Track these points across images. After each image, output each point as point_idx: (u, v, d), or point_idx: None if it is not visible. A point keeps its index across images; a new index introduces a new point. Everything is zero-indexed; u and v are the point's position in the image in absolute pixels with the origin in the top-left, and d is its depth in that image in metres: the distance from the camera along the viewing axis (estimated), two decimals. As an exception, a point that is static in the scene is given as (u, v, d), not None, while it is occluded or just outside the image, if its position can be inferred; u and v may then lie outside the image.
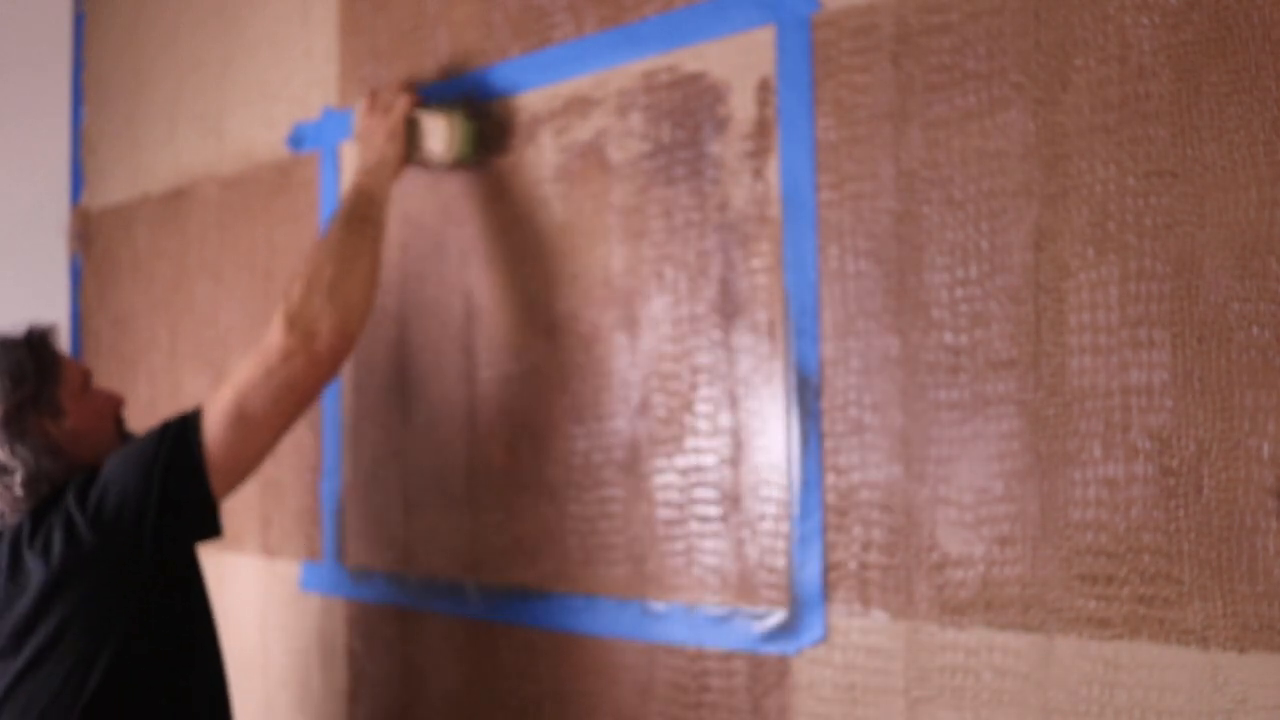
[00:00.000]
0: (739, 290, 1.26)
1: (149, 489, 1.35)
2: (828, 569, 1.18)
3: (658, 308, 1.33)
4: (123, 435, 1.51)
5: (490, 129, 1.50)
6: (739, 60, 1.26)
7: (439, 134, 1.50)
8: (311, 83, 1.75)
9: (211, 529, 1.40)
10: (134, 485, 1.35)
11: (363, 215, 1.43)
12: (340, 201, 1.46)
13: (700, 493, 1.29)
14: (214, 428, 1.36)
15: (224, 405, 1.37)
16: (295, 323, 1.36)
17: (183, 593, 1.42)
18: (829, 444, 1.19)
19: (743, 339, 1.26)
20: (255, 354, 1.38)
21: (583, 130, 1.40)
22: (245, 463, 1.40)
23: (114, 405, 1.51)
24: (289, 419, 1.40)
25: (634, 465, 1.34)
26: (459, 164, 1.52)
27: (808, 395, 1.20)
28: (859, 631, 1.16)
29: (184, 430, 1.37)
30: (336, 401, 1.69)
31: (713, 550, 1.27)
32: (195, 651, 1.43)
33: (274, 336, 1.37)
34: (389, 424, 1.62)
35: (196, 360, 1.94)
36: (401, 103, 1.51)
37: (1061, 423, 1.04)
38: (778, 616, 1.22)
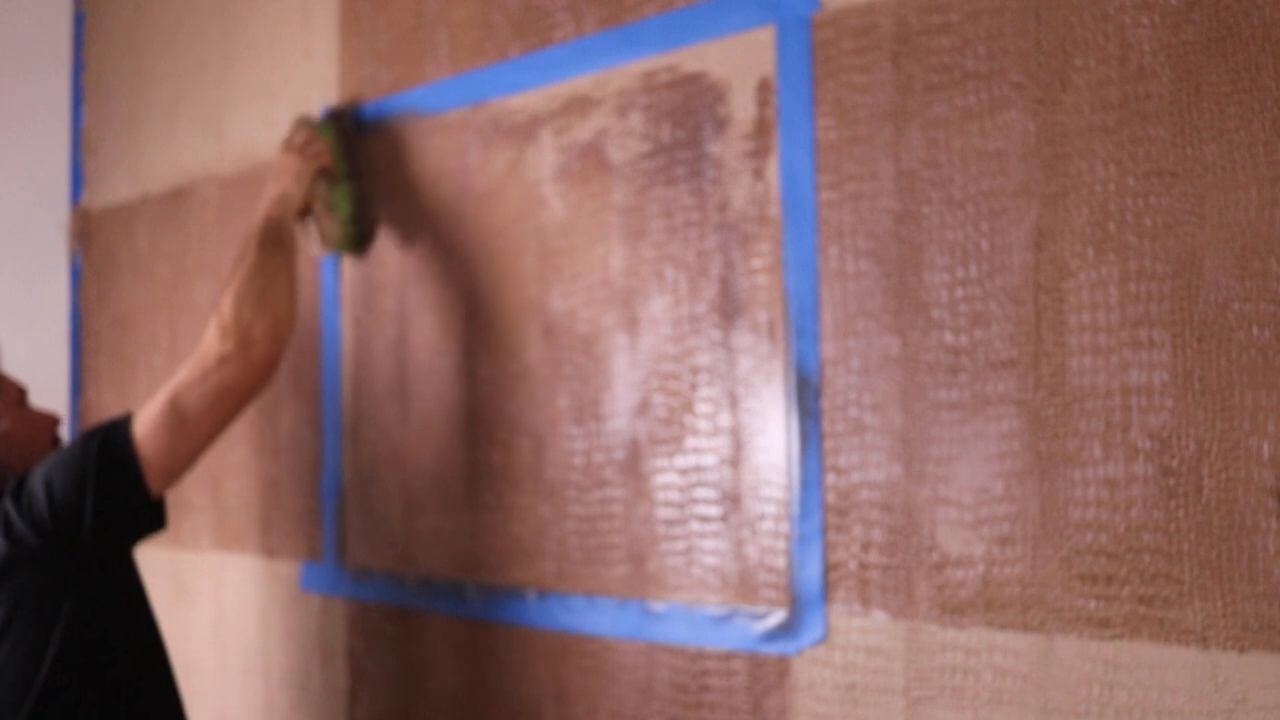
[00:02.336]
0: (739, 290, 1.26)
1: (84, 488, 1.39)
2: (828, 569, 1.18)
3: (658, 308, 1.33)
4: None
5: (367, 229, 1.65)
6: (739, 60, 1.26)
7: (325, 230, 1.65)
8: (311, 83, 1.75)
9: (154, 523, 1.45)
10: (68, 486, 1.39)
11: (275, 239, 1.53)
12: (254, 227, 1.55)
13: (700, 493, 1.29)
14: (147, 428, 1.42)
15: (158, 407, 1.43)
16: (229, 330, 1.44)
17: (124, 591, 1.46)
18: (829, 444, 1.19)
19: (743, 339, 1.26)
20: (191, 361, 1.46)
21: (583, 130, 1.40)
22: (180, 460, 1.45)
23: (51, 423, 1.56)
24: (224, 421, 1.47)
25: (634, 465, 1.34)
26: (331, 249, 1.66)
27: (808, 395, 1.20)
28: (859, 631, 1.16)
29: (113, 433, 1.42)
30: (336, 401, 1.69)
31: (713, 550, 1.27)
32: (140, 650, 1.46)
33: (209, 344, 1.45)
34: (389, 424, 1.62)
35: (196, 360, 1.94)
36: (317, 161, 1.62)
37: (1061, 423, 1.04)
38: (778, 616, 1.22)
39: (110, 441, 1.41)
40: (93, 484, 1.39)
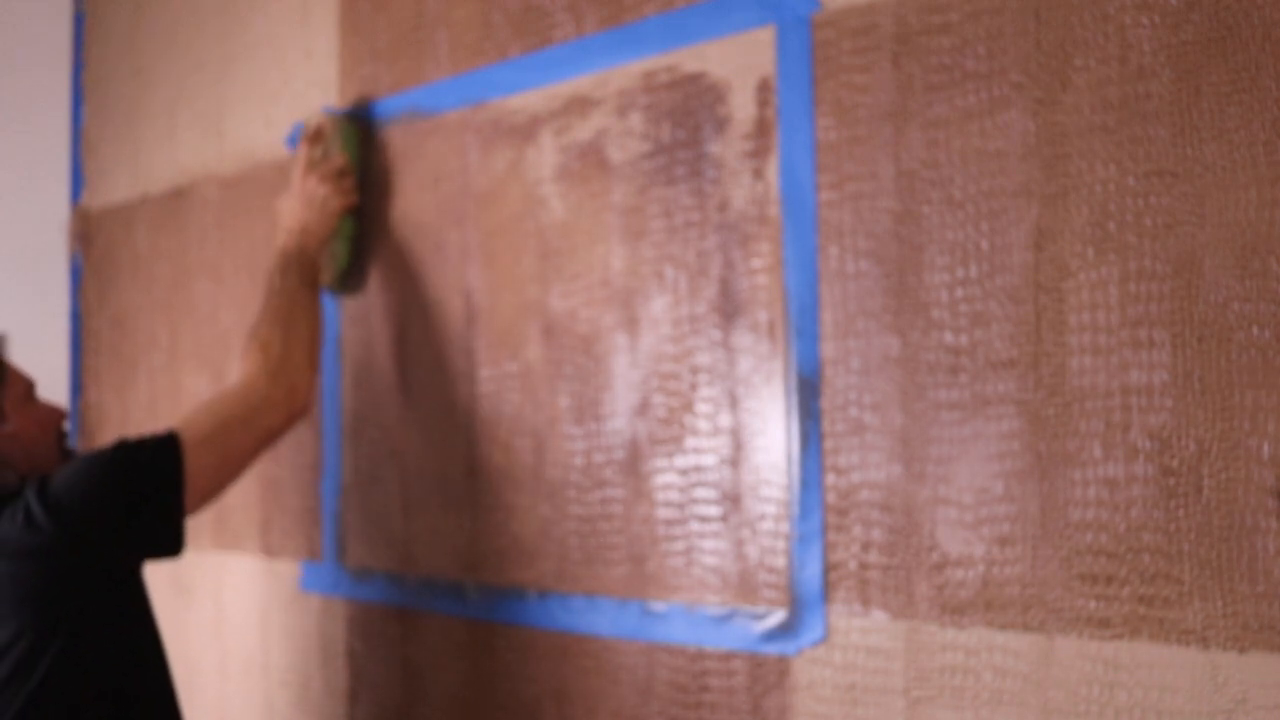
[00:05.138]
0: (739, 290, 1.26)
1: (117, 496, 1.37)
2: (828, 569, 1.18)
3: (658, 308, 1.33)
4: (63, 448, 1.53)
5: (360, 274, 1.65)
6: (739, 60, 1.26)
7: (330, 266, 1.64)
8: (311, 83, 1.75)
9: (175, 545, 1.42)
10: (101, 490, 1.37)
11: (310, 277, 1.56)
12: (284, 257, 1.55)
13: (700, 493, 1.29)
14: (195, 449, 1.41)
15: (204, 434, 1.43)
16: (279, 376, 1.47)
17: (130, 601, 1.44)
18: (829, 444, 1.19)
19: (743, 339, 1.26)
20: (237, 397, 1.46)
21: (583, 130, 1.40)
22: (216, 487, 1.46)
23: (56, 418, 1.53)
24: (254, 460, 1.50)
25: (634, 465, 1.34)
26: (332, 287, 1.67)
27: (808, 395, 1.20)
28: (859, 631, 1.16)
29: (164, 448, 1.40)
30: (336, 401, 1.69)
31: (713, 550, 1.27)
32: (141, 659, 1.45)
33: (258, 384, 1.47)
34: (389, 424, 1.62)
35: (196, 360, 1.94)
36: (346, 200, 1.61)
37: (1061, 423, 1.04)
38: (778, 616, 1.22)
39: (161, 452, 1.39)
40: (135, 489, 1.38)
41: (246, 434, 1.45)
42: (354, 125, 1.64)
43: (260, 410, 1.46)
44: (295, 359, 1.49)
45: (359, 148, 1.64)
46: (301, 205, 1.59)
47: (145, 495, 1.39)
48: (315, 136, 1.63)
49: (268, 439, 1.49)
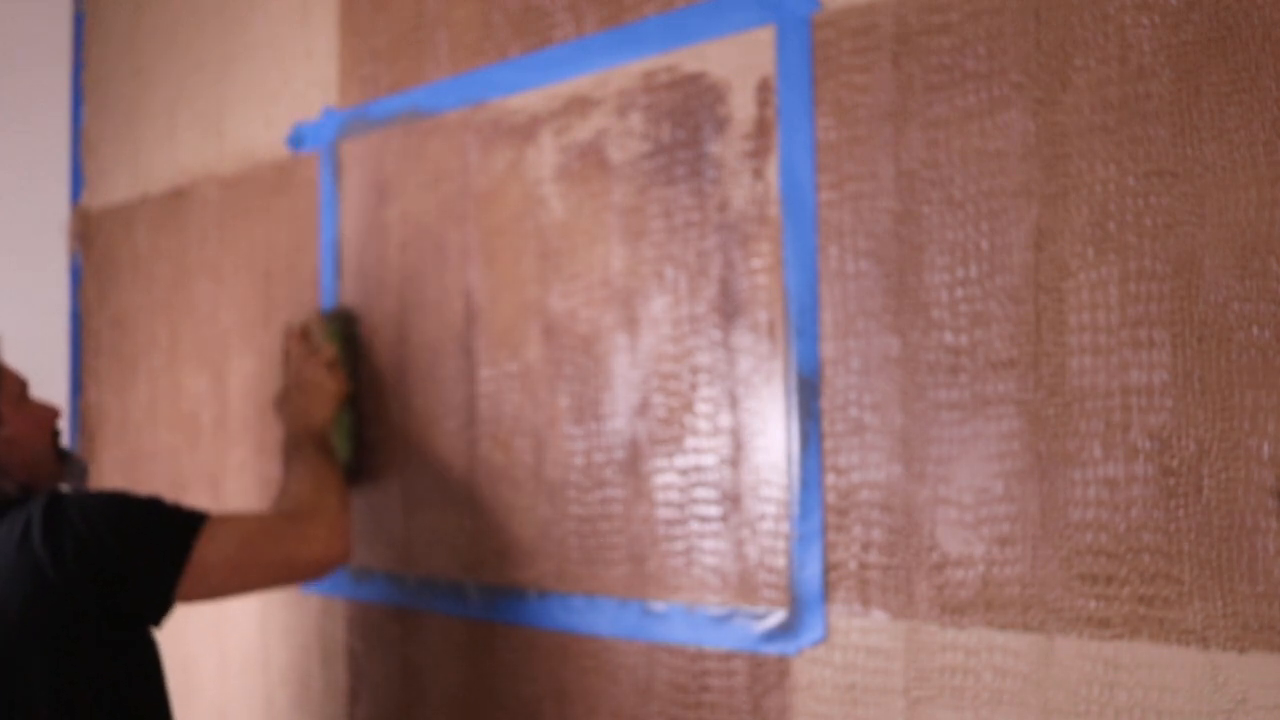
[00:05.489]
0: (739, 290, 1.26)
1: (121, 543, 1.33)
2: (828, 569, 1.18)
3: (658, 308, 1.33)
4: (58, 449, 1.51)
5: (362, 466, 1.64)
6: (739, 60, 1.26)
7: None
8: (311, 83, 1.75)
9: (157, 609, 1.38)
10: (110, 533, 1.33)
11: (328, 449, 1.57)
12: (297, 439, 1.56)
13: (700, 493, 1.29)
14: (216, 544, 1.39)
15: (232, 530, 1.41)
16: (321, 513, 1.47)
17: (131, 644, 1.41)
18: (829, 444, 1.19)
19: (743, 339, 1.26)
20: (280, 517, 1.46)
21: (583, 130, 1.40)
22: (217, 586, 1.42)
23: (51, 417, 1.52)
24: (270, 586, 1.49)
25: (634, 465, 1.34)
26: None
27: (808, 395, 1.20)
28: (859, 631, 1.16)
29: (185, 522, 1.38)
30: (336, 401, 1.69)
31: (713, 550, 1.27)
32: (138, 671, 1.41)
33: (302, 513, 1.46)
34: (389, 424, 1.62)
35: (196, 360, 1.94)
36: (343, 389, 1.62)
37: (1061, 423, 1.04)
38: (778, 616, 1.22)
39: (179, 528, 1.37)
40: (139, 538, 1.35)
41: (271, 553, 1.43)
42: (336, 319, 1.65)
43: (296, 539, 1.45)
44: (333, 503, 1.49)
45: (343, 337, 1.64)
46: (301, 393, 1.59)
47: (146, 549, 1.35)
48: (303, 334, 1.63)
49: (289, 571, 1.47)
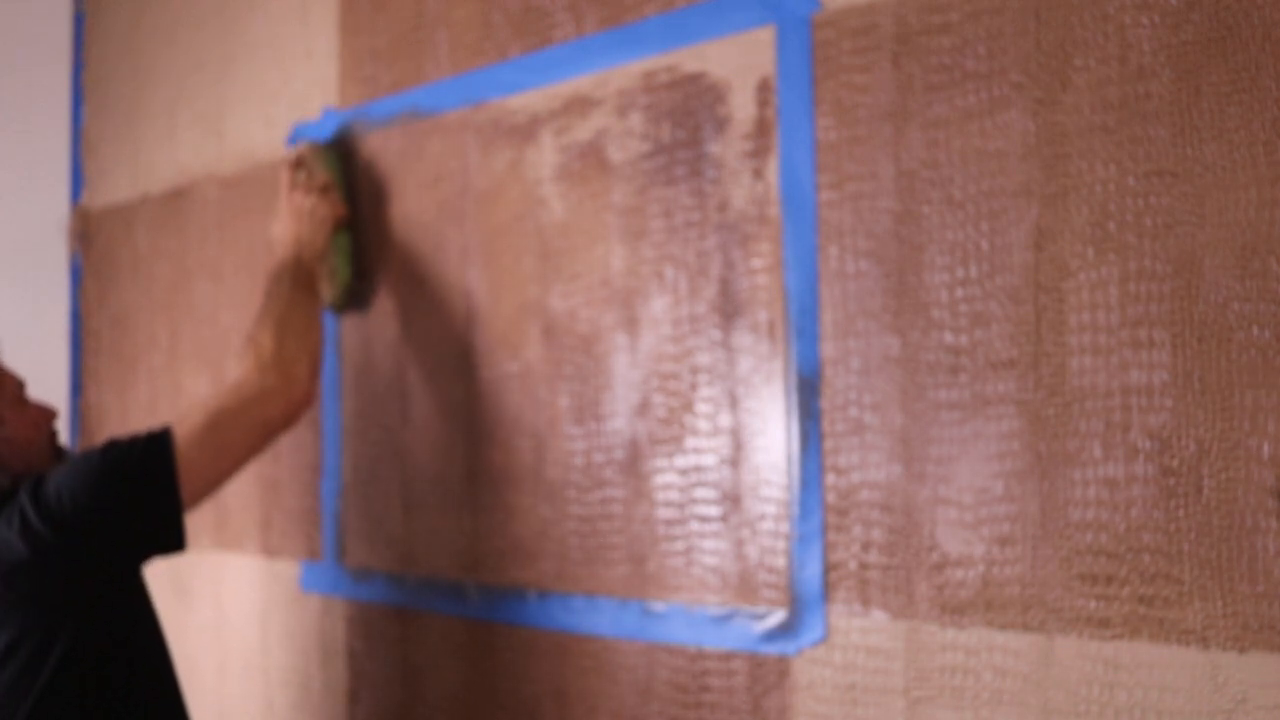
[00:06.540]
0: (739, 290, 1.26)
1: (114, 497, 1.37)
2: (828, 569, 1.18)
3: (658, 308, 1.33)
4: (55, 447, 1.53)
5: (366, 287, 1.65)
6: (739, 60, 1.26)
7: (332, 284, 1.65)
8: (311, 83, 1.75)
9: (176, 541, 1.42)
10: (97, 492, 1.37)
11: (305, 280, 1.56)
12: (280, 265, 1.56)
13: (700, 493, 1.29)
14: (189, 443, 1.41)
15: (199, 427, 1.42)
16: (271, 366, 1.47)
17: (132, 600, 1.45)
18: (829, 444, 1.19)
19: (743, 339, 1.26)
20: (230, 391, 1.46)
21: (583, 130, 1.40)
22: (211, 483, 1.45)
23: (48, 417, 1.54)
24: (255, 453, 1.49)
25: (634, 465, 1.34)
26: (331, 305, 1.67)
27: (808, 395, 1.20)
28: (859, 631, 1.16)
29: (155, 445, 1.40)
30: (336, 401, 1.69)
31: (713, 550, 1.27)
32: (144, 662, 1.45)
33: (250, 377, 1.46)
34: (389, 424, 1.62)
35: (196, 360, 1.94)
36: (335, 210, 1.62)
37: (1061, 423, 1.04)
38: (778, 616, 1.22)
39: (153, 449, 1.40)
40: (129, 488, 1.38)
41: (241, 427, 1.45)
42: (333, 149, 1.67)
43: (255, 402, 1.45)
44: (289, 351, 1.48)
45: (340, 167, 1.66)
46: (290, 219, 1.60)
47: (141, 494, 1.38)
48: (296, 162, 1.65)
49: (265, 432, 1.48)
